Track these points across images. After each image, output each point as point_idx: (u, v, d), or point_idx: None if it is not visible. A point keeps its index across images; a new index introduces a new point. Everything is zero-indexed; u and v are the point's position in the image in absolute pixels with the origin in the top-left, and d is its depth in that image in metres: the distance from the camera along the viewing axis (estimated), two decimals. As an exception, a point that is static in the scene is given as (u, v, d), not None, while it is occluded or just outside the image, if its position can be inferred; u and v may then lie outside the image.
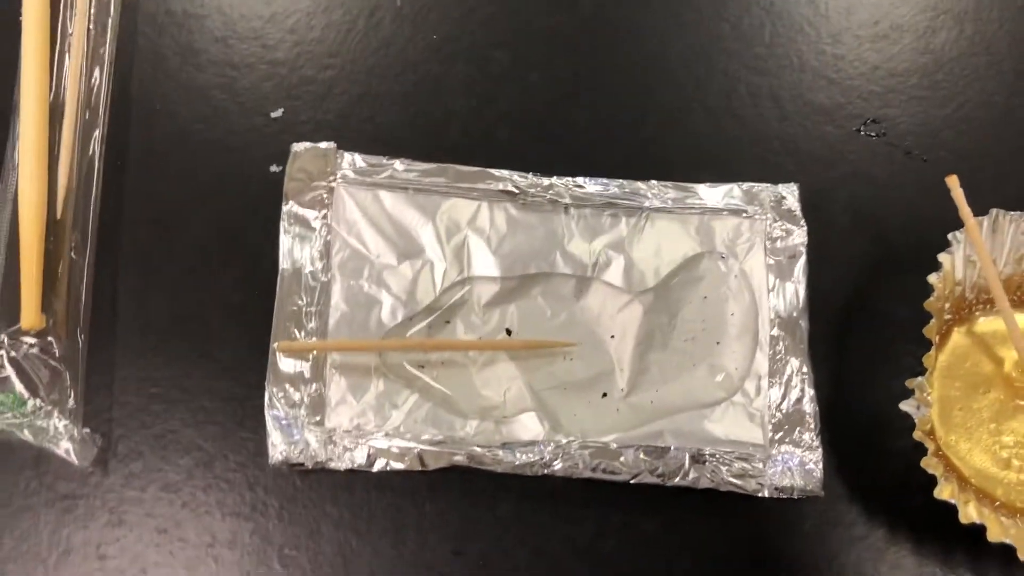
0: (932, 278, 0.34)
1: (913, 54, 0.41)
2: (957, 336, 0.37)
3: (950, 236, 0.35)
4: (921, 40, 0.41)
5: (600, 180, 0.39)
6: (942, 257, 0.34)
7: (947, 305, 0.36)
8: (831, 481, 0.35)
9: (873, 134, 0.40)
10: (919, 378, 0.33)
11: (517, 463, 0.35)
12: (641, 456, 0.35)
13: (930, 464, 0.33)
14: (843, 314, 0.37)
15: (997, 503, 0.35)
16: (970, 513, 0.32)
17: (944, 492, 0.32)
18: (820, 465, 0.35)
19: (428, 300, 0.37)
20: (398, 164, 0.38)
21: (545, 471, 0.35)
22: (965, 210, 0.34)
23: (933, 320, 0.34)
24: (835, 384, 0.36)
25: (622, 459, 0.35)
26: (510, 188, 0.38)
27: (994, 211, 0.35)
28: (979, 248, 0.35)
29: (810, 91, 0.40)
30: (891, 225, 0.38)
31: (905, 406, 0.33)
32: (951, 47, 0.41)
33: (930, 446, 0.33)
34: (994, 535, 0.32)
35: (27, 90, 0.37)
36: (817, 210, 0.39)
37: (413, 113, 0.39)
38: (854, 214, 0.39)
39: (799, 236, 0.38)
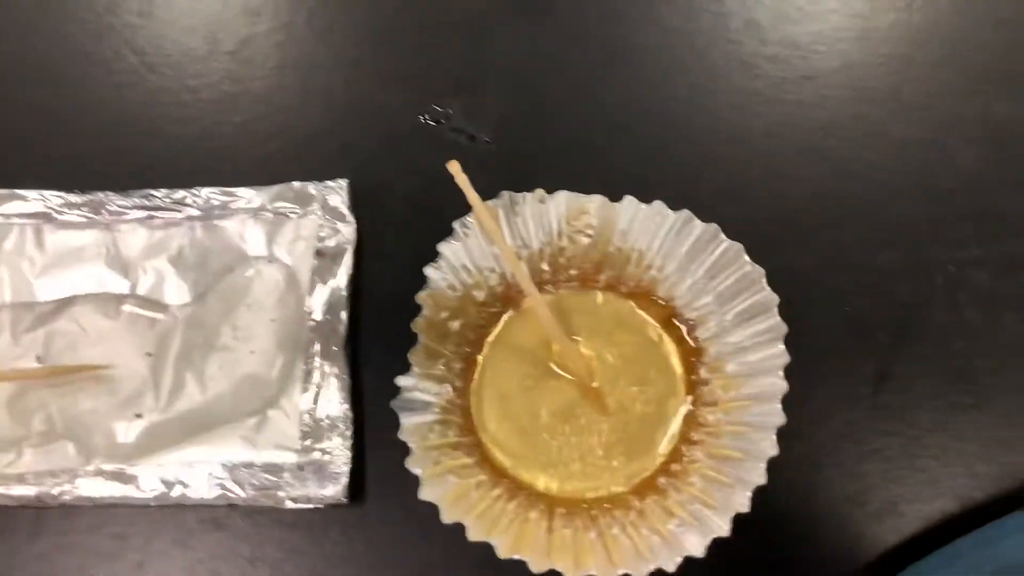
0: (421, 295, 0.33)
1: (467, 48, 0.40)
2: (507, 321, 0.35)
3: (456, 224, 0.33)
4: (477, 37, 0.40)
5: (143, 191, 0.37)
6: (428, 271, 0.33)
7: (475, 300, 0.34)
8: (369, 487, 0.34)
9: (434, 121, 0.38)
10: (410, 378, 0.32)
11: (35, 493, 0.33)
12: (167, 477, 0.33)
13: (424, 463, 0.31)
14: (394, 312, 0.35)
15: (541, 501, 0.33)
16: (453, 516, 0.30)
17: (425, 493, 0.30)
18: (347, 471, 0.33)
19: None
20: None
21: (68, 499, 0.33)
22: (472, 195, 0.33)
23: (421, 338, 0.32)
24: (378, 387, 0.35)
25: (143, 481, 0.34)
26: (43, 209, 0.37)
27: (505, 193, 0.34)
28: (491, 231, 0.33)
29: (368, 86, 0.39)
30: (450, 215, 0.37)
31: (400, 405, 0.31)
32: (507, 42, 0.40)
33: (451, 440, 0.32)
34: (474, 535, 0.30)
35: None
36: (373, 205, 0.37)
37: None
38: (412, 205, 0.37)
39: (347, 234, 0.37)
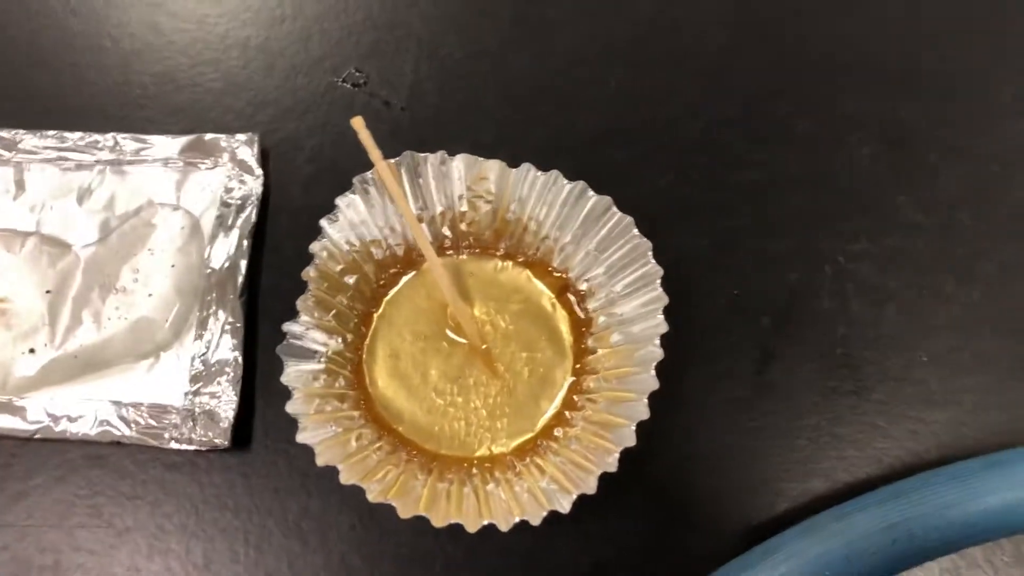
0: (314, 246, 0.33)
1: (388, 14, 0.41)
2: (407, 281, 0.36)
3: (356, 179, 0.34)
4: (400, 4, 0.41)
5: (56, 132, 0.37)
6: (323, 222, 0.34)
7: (375, 258, 0.35)
8: (255, 435, 0.34)
9: (350, 84, 0.39)
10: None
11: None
12: (54, 412, 0.34)
13: (301, 408, 0.31)
14: (294, 265, 0.36)
15: (432, 462, 0.34)
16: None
17: (304, 435, 0.31)
18: (232, 416, 0.34)
19: None
20: None
21: None
22: (374, 152, 0.34)
23: (314, 286, 0.33)
24: (272, 338, 0.35)
25: (29, 414, 0.34)
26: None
27: (408, 153, 0.35)
28: (393, 189, 0.34)
29: (287, 45, 0.40)
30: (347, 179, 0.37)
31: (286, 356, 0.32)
32: (427, 9, 0.41)
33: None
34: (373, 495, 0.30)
35: None
36: (282, 161, 0.38)
37: None
38: (321, 164, 0.38)
39: (253, 186, 0.37)
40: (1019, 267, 0.38)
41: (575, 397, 0.34)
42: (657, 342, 0.32)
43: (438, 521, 0.30)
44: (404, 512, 0.30)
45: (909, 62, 0.42)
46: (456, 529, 0.29)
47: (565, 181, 0.35)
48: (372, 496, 0.30)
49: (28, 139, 0.38)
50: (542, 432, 0.34)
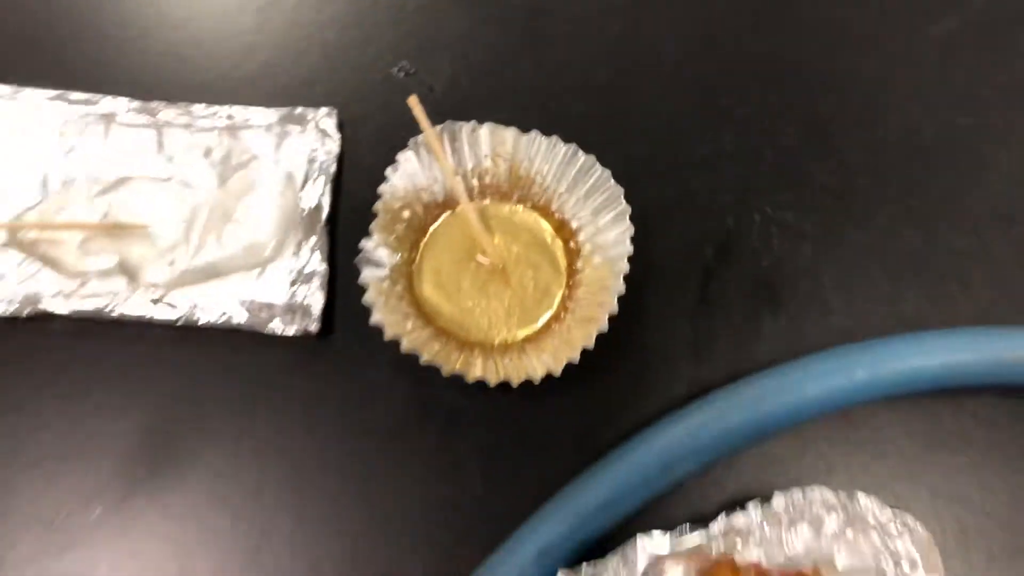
0: (384, 186, 0.47)
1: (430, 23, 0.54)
2: (446, 218, 0.50)
3: (411, 141, 0.48)
4: (441, 16, 0.55)
5: (186, 104, 0.51)
6: (390, 168, 0.47)
7: (422, 201, 0.48)
8: (336, 326, 0.48)
9: (403, 74, 0.53)
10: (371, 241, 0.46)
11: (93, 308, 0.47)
12: (189, 305, 0.47)
13: (375, 300, 0.45)
14: (363, 206, 0.49)
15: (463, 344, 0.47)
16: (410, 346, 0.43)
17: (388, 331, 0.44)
18: (320, 311, 0.47)
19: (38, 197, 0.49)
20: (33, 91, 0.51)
21: (116, 315, 0.47)
22: (424, 122, 0.47)
23: (380, 218, 0.46)
24: (348, 258, 0.49)
25: (172, 307, 0.47)
26: (112, 110, 0.51)
27: (448, 122, 0.48)
28: (436, 151, 0.47)
29: (358, 43, 0.53)
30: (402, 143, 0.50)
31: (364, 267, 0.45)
32: (459, 21, 0.54)
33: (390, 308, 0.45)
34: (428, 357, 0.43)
35: None
36: (353, 128, 0.51)
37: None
38: (382, 133, 0.52)
39: (332, 147, 0.51)
40: (904, 218, 0.51)
41: (567, 303, 0.48)
42: (626, 261, 0.46)
43: (470, 378, 0.43)
44: (446, 371, 0.43)
45: (822, 64, 0.56)
46: (480, 387, 0.43)
47: (562, 144, 0.48)
48: (424, 360, 0.43)
49: (166, 109, 0.52)
50: (542, 327, 0.48)
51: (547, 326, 0.46)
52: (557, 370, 0.43)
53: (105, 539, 0.43)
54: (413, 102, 0.46)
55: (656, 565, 0.40)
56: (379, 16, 0.55)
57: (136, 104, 0.51)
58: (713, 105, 0.52)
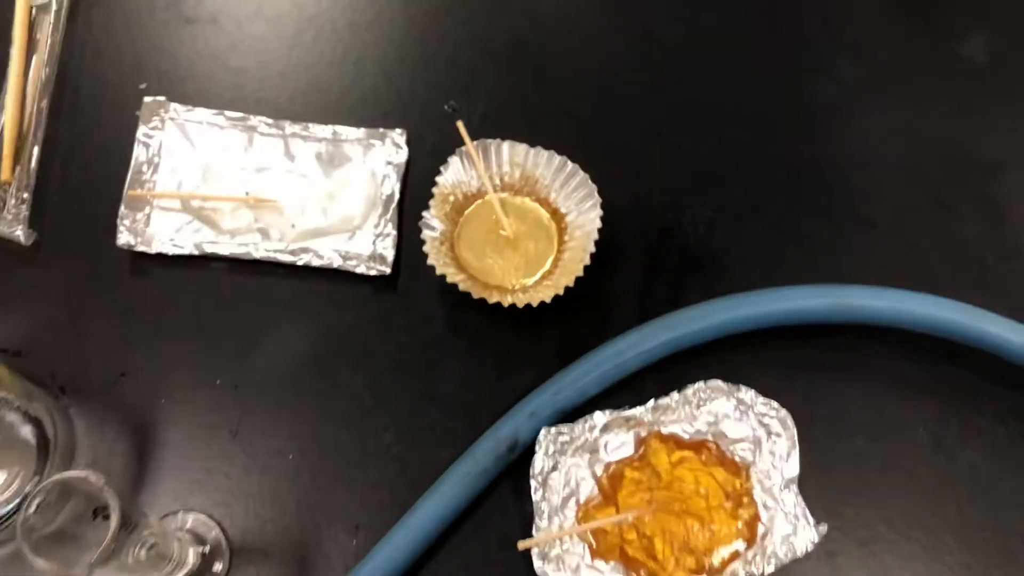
0: (439, 178, 0.72)
1: (469, 72, 0.80)
2: (477, 204, 0.74)
3: (456, 151, 0.72)
4: (478, 65, 0.80)
5: (302, 123, 0.76)
6: (442, 167, 0.72)
7: (463, 191, 0.73)
8: (402, 272, 0.72)
9: (450, 110, 0.78)
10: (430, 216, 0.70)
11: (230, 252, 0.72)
12: (304, 251, 0.72)
13: (431, 251, 0.69)
14: (423, 196, 0.74)
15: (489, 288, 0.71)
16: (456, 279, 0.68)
17: (449, 276, 0.69)
18: (392, 258, 0.71)
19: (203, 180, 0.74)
20: (203, 110, 0.76)
21: (250, 256, 0.71)
22: (466, 139, 0.72)
23: (435, 200, 0.71)
24: (413, 228, 0.73)
25: (293, 253, 0.72)
26: (253, 124, 0.76)
27: (481, 140, 0.73)
28: (474, 158, 0.72)
29: (418, 83, 0.79)
30: (449, 152, 0.75)
31: (426, 231, 0.70)
32: (494, 73, 0.80)
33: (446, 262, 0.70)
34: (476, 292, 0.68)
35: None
36: (417, 143, 0.76)
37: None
38: (436, 147, 0.76)
39: (402, 157, 0.76)
40: (800, 206, 0.75)
41: (557, 263, 0.72)
42: (596, 234, 0.70)
43: (491, 300, 0.67)
44: (475, 295, 0.67)
45: (732, 107, 0.81)
46: (496, 314, 0.66)
47: (557, 156, 0.71)
48: (462, 287, 0.68)
49: (291, 126, 0.76)
50: (539, 278, 0.72)
51: (542, 278, 0.71)
52: (548, 298, 0.67)
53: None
54: (460, 126, 0.71)
55: (609, 427, 0.64)
56: (439, 69, 0.79)
57: (270, 121, 0.76)
58: (659, 132, 0.75)
